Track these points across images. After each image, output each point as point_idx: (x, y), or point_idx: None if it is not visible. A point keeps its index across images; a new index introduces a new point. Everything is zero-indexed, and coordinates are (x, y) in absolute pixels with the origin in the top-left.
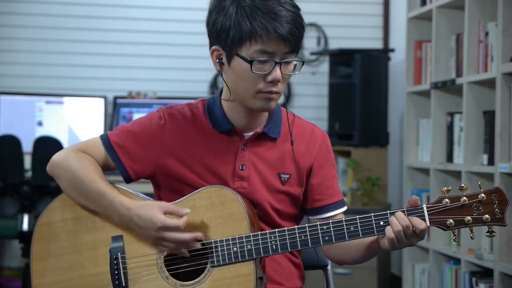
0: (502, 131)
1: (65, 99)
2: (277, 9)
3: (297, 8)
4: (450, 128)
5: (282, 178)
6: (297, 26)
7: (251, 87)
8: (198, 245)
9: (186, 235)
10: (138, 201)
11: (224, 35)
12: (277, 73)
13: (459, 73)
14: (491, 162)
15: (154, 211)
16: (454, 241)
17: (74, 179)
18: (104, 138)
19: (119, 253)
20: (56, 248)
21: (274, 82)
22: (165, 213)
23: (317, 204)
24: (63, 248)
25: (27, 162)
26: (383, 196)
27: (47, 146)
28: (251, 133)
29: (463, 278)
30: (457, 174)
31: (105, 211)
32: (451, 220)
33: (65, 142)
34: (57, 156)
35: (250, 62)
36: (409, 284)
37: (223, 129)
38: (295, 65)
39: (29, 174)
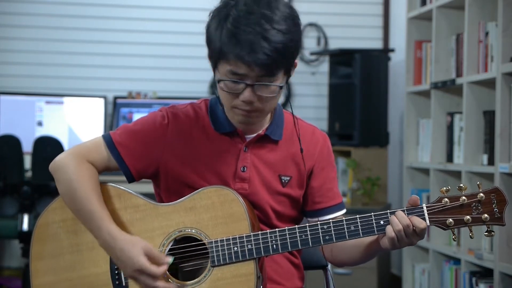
0: (502, 131)
1: (65, 99)
2: (255, 39)
3: (286, 34)
4: (450, 128)
5: (283, 180)
6: (278, 56)
7: (229, 101)
8: None
9: (160, 284)
10: (124, 234)
11: (208, 46)
12: (245, 95)
13: (459, 73)
14: (491, 162)
15: (137, 251)
16: (454, 240)
17: (71, 191)
18: (107, 138)
19: None
20: (55, 248)
21: (246, 102)
22: (147, 256)
23: (317, 206)
24: (63, 248)
25: (27, 162)
26: (383, 196)
27: (47, 146)
28: (253, 135)
29: (463, 278)
30: (457, 174)
31: (91, 232)
32: (450, 220)
33: (65, 142)
34: (59, 160)
35: (218, 81)
36: (409, 284)
37: (225, 131)
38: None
39: (29, 174)
